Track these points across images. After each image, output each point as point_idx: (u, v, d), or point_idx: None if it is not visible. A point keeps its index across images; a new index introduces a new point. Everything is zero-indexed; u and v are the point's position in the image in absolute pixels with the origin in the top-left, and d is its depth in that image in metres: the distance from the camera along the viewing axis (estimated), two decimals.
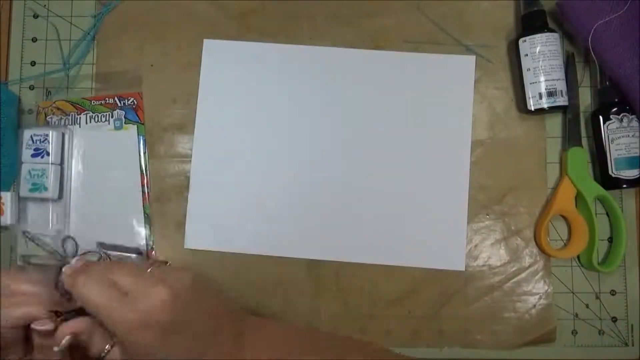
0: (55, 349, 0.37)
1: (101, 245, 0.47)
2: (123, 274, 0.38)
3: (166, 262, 0.44)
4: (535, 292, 0.56)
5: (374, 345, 0.47)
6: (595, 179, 0.56)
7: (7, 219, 0.56)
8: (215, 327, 0.40)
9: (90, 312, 0.37)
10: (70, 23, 0.60)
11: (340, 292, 0.56)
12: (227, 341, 0.40)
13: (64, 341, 0.37)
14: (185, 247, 0.57)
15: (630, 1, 0.52)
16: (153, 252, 0.56)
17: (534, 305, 0.56)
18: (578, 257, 0.57)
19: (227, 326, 0.40)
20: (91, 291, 0.36)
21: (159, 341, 0.36)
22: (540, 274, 0.56)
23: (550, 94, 0.55)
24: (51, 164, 0.55)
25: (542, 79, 0.55)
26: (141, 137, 0.58)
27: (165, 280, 0.38)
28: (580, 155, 0.56)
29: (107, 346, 0.38)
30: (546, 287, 0.56)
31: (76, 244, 0.41)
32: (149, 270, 0.40)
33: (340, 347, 0.43)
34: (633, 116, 0.55)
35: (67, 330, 0.37)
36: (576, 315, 0.56)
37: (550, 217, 0.56)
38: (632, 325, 0.56)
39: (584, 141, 0.57)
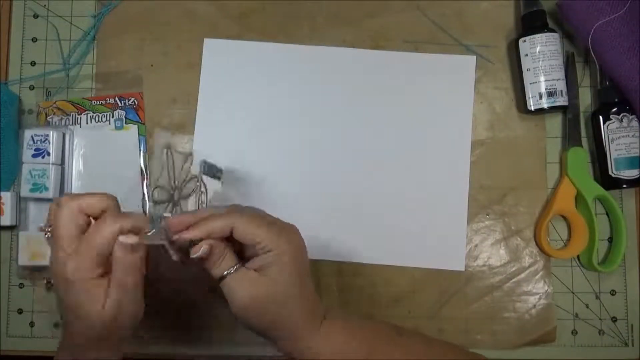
0: (193, 255, 0.39)
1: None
2: (262, 212, 0.42)
3: None
4: (535, 292, 0.56)
5: (446, 343, 0.48)
6: (595, 179, 0.56)
7: (8, 219, 0.56)
8: (314, 296, 0.42)
9: (248, 240, 0.39)
10: (70, 23, 0.60)
11: (340, 292, 0.56)
12: (315, 316, 0.41)
13: (200, 251, 0.39)
14: None
15: (630, 1, 0.52)
16: None
17: (534, 305, 0.56)
18: (578, 257, 0.57)
19: (318, 302, 0.42)
20: (249, 221, 0.39)
21: (299, 271, 0.40)
22: (540, 274, 0.56)
23: (550, 94, 0.55)
24: (52, 164, 0.55)
25: (542, 79, 0.55)
26: (142, 137, 0.58)
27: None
28: (580, 155, 0.56)
29: (231, 268, 0.40)
30: (546, 287, 0.56)
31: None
32: None
33: (407, 339, 0.44)
34: (633, 116, 0.55)
35: (206, 243, 0.39)
36: (576, 315, 0.56)
37: (550, 217, 0.56)
38: (632, 325, 0.56)
39: (584, 141, 0.57)
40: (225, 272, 0.40)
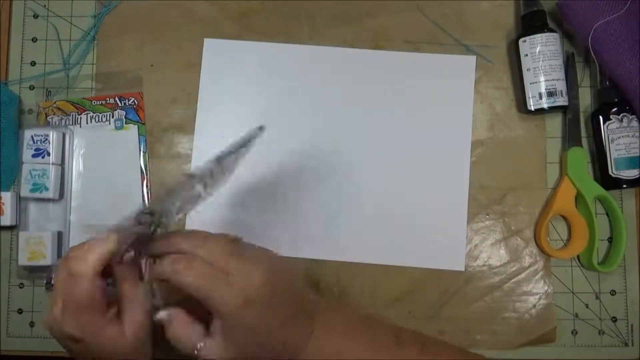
0: (157, 318, 0.38)
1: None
2: (221, 253, 0.38)
3: (241, 238, 0.42)
4: (535, 292, 0.56)
5: (446, 343, 0.47)
6: (595, 179, 0.56)
7: (8, 219, 0.56)
8: (297, 307, 0.40)
9: (193, 293, 0.37)
10: (70, 23, 0.60)
11: (340, 292, 0.56)
12: (301, 324, 0.40)
13: (162, 315, 0.38)
14: None
15: (630, 1, 0.52)
16: None
17: (534, 305, 0.56)
18: (578, 257, 0.57)
19: (305, 307, 0.41)
20: (193, 276, 0.36)
21: (258, 320, 0.37)
22: (540, 274, 0.56)
23: (550, 94, 0.55)
24: (52, 164, 0.55)
25: (542, 79, 0.55)
26: (142, 137, 0.58)
27: (261, 259, 0.39)
28: (580, 155, 0.56)
29: (199, 345, 0.38)
30: (546, 287, 0.56)
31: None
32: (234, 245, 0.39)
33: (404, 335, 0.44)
34: (633, 116, 0.55)
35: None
36: (576, 315, 0.56)
37: (550, 217, 0.56)
38: (632, 325, 0.56)
39: (584, 141, 0.57)
40: (195, 351, 0.38)
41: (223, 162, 0.40)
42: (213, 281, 0.36)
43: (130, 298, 0.39)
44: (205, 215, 0.57)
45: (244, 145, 0.41)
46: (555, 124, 0.58)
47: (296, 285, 0.41)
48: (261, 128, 0.43)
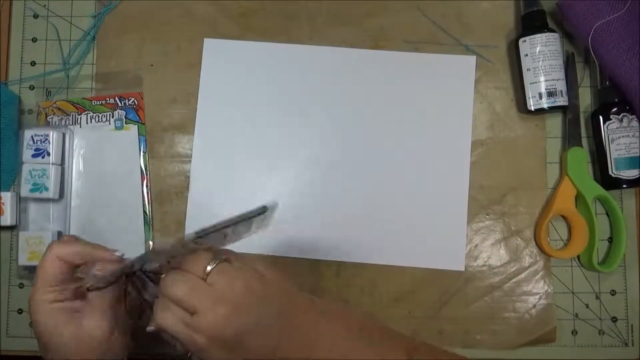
0: (149, 329, 0.39)
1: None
2: (188, 290, 0.37)
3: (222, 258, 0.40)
4: (535, 292, 0.56)
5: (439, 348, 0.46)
6: (595, 179, 0.56)
7: (8, 219, 0.56)
8: (285, 319, 0.39)
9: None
10: (70, 23, 0.60)
11: (340, 292, 0.56)
12: (298, 332, 0.39)
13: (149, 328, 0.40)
14: None
15: (630, 1, 0.52)
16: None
17: (534, 305, 0.56)
18: (578, 257, 0.57)
19: (299, 316, 0.40)
20: (163, 321, 0.38)
21: (228, 353, 0.38)
22: (540, 274, 0.56)
23: (550, 94, 0.55)
24: (52, 164, 0.55)
25: (542, 79, 0.55)
26: (142, 137, 0.58)
27: (226, 292, 0.38)
28: (580, 155, 0.56)
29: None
30: (546, 287, 0.56)
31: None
32: (209, 268, 0.38)
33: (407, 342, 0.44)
34: (633, 116, 0.55)
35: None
36: (576, 315, 0.56)
37: (550, 217, 0.56)
38: (632, 325, 0.56)
39: (584, 141, 0.57)
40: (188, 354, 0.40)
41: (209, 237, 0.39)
42: (177, 323, 0.37)
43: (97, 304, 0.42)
44: (204, 216, 0.57)
45: (241, 220, 0.40)
46: (555, 124, 0.58)
47: (279, 295, 0.40)
48: (264, 208, 0.41)
